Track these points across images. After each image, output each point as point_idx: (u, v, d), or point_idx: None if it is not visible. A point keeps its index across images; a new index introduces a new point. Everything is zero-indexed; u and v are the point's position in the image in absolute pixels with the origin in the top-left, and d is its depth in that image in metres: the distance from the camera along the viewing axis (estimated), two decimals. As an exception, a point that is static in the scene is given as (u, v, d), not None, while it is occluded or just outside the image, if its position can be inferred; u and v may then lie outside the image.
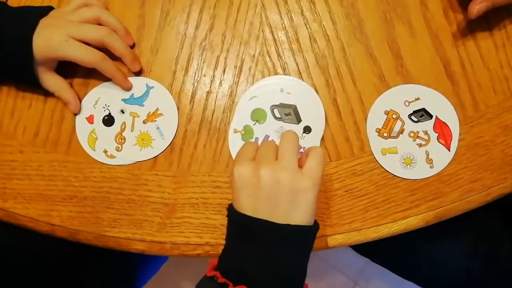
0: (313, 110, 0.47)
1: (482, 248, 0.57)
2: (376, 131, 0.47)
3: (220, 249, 0.46)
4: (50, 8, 0.48)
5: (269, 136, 0.46)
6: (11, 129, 0.48)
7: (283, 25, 0.49)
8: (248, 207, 0.36)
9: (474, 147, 0.46)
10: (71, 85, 0.48)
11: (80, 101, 0.48)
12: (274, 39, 0.49)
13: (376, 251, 0.65)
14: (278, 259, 0.36)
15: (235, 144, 0.47)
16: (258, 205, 0.36)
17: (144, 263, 0.70)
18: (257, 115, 0.47)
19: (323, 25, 0.49)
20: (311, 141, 0.47)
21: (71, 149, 0.48)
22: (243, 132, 0.46)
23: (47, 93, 0.48)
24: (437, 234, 0.58)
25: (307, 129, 0.46)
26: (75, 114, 0.48)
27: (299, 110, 0.46)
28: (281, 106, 0.46)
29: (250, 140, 0.46)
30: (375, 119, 0.47)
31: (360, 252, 0.68)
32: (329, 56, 0.49)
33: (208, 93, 0.49)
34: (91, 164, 0.47)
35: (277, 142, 0.41)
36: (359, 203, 0.46)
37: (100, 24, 0.47)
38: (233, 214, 0.38)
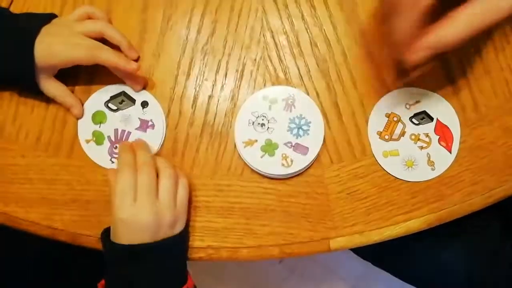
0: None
1: (484, 251, 0.57)
2: (377, 134, 0.47)
3: (222, 252, 0.46)
4: (53, 16, 0.48)
5: (118, 129, 0.48)
6: (13, 134, 0.49)
7: (284, 30, 0.50)
8: (129, 240, 0.41)
9: (475, 149, 0.47)
10: (72, 91, 0.48)
11: (82, 105, 0.48)
12: (275, 43, 0.49)
13: (377, 254, 0.65)
14: (159, 267, 0.42)
15: (93, 154, 0.48)
16: (141, 238, 0.41)
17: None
18: (98, 118, 0.48)
19: (324, 30, 0.49)
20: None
21: (73, 153, 0.48)
22: (94, 139, 0.48)
23: (49, 99, 0.48)
24: (438, 237, 0.58)
25: (144, 104, 0.48)
26: (78, 119, 0.48)
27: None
28: (112, 98, 0.48)
29: (105, 141, 0.48)
30: (376, 122, 0.47)
31: (361, 255, 0.68)
32: (330, 60, 0.49)
33: (210, 97, 0.49)
34: (93, 168, 0.47)
35: (126, 127, 0.47)
36: (361, 205, 0.46)
37: (103, 38, 0.47)
38: (116, 245, 0.42)
